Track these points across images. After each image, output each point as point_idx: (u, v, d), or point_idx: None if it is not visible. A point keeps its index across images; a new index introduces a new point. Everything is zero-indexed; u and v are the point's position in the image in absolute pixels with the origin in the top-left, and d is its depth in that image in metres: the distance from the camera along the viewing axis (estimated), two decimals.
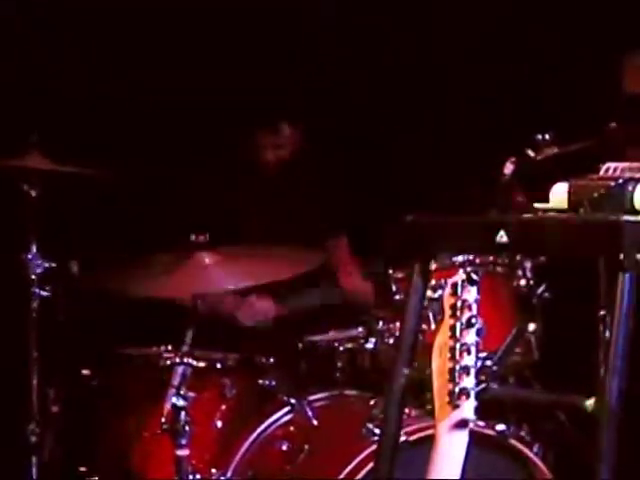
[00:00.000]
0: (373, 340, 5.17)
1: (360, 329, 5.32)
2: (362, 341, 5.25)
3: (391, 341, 5.13)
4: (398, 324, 5.00)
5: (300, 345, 5.45)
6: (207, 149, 6.45)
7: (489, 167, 4.94)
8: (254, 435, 5.21)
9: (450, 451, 3.82)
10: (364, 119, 7.05)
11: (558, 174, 4.20)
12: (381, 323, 5.18)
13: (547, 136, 4.82)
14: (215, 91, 6.75)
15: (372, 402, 5.06)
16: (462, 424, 3.78)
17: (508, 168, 4.85)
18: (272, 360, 5.38)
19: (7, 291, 5.38)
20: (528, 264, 4.97)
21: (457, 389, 3.73)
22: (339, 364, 5.31)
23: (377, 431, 4.83)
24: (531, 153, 4.78)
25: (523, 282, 4.94)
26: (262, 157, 6.29)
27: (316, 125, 6.38)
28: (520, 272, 5.01)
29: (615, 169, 3.90)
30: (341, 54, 7.18)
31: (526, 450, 4.88)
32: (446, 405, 3.76)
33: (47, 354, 5.20)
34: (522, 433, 5.14)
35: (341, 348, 5.33)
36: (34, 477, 5.13)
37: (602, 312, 5.01)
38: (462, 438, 3.80)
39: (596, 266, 4.83)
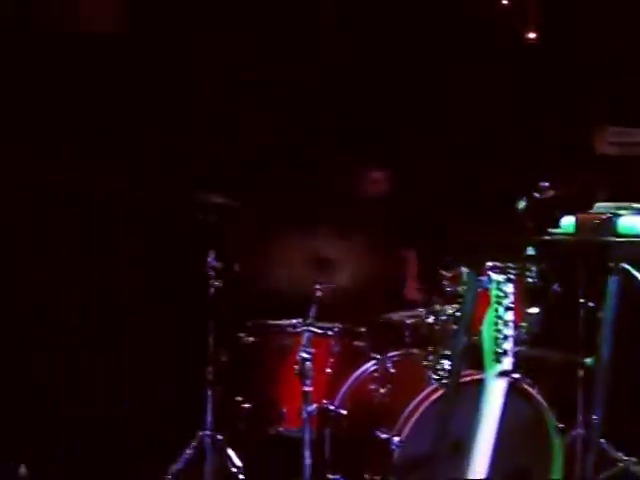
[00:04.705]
0: (431, 317, 4.87)
1: (421, 310, 5.03)
2: (423, 318, 4.96)
3: (442, 318, 4.79)
4: (447, 307, 4.80)
5: (382, 319, 5.20)
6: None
7: (509, 203, 4.62)
8: (352, 378, 5.03)
9: (495, 391, 3.72)
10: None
11: (556, 209, 4.02)
12: (436, 306, 4.85)
13: (547, 183, 4.53)
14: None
15: (429, 357, 4.75)
16: (503, 374, 3.70)
17: (521, 204, 4.56)
18: (363, 329, 5.17)
19: (194, 282, 5.15)
20: (534, 268, 4.79)
21: (500, 350, 3.67)
22: (407, 332, 5.07)
23: (433, 376, 4.65)
24: (536, 195, 4.51)
25: (530, 280, 4.77)
26: (364, 190, 5.84)
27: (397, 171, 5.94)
28: (528, 274, 4.85)
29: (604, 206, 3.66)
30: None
31: (531, 390, 4.64)
32: (492, 361, 3.68)
33: (219, 323, 5.01)
34: (528, 380, 4.89)
35: (408, 322, 5.10)
36: (209, 402, 4.99)
37: (581, 300, 4.82)
38: (503, 383, 3.71)
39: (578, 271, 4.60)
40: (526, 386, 4.58)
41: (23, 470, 4.92)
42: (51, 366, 5.69)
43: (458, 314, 4.64)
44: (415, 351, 5.00)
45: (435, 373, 4.64)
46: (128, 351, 5.86)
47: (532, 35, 6.20)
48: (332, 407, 4.96)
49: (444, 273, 4.87)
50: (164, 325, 5.87)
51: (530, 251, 3.66)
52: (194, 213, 4.99)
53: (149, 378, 5.75)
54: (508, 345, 3.65)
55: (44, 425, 5.52)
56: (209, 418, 4.97)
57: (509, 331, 3.64)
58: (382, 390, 4.81)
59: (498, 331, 3.65)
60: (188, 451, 4.94)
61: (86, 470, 5.33)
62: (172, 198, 5.47)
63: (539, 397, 4.64)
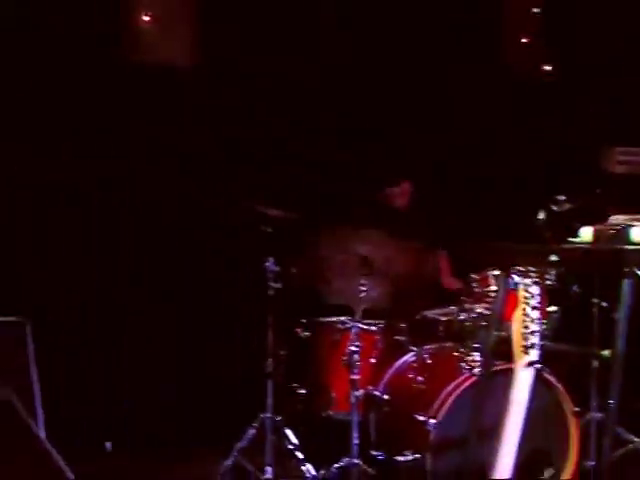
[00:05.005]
0: (462, 314, 5.11)
1: (453, 307, 5.25)
2: (455, 315, 5.18)
3: (472, 315, 5.03)
4: (476, 306, 5.03)
5: (419, 317, 5.39)
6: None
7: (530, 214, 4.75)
8: (393, 368, 5.21)
9: (523, 380, 3.93)
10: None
11: (574, 220, 4.29)
12: (467, 305, 5.09)
13: (563, 197, 4.58)
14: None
15: (461, 349, 5.00)
16: (530, 364, 3.92)
17: (541, 215, 4.64)
18: (403, 325, 5.35)
19: (256, 284, 5.21)
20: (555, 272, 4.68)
21: (528, 343, 3.87)
22: (441, 328, 5.25)
23: (464, 366, 4.86)
24: (554, 207, 4.56)
25: (548, 282, 4.59)
26: (394, 201, 5.94)
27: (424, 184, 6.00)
28: (549, 277, 4.85)
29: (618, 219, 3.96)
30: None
31: (552, 378, 4.82)
32: (521, 353, 3.89)
33: (278, 320, 5.09)
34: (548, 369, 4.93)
35: (442, 318, 5.28)
36: (269, 388, 5.08)
37: (596, 300, 5.02)
38: (530, 372, 3.93)
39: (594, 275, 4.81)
40: (547, 375, 4.75)
41: (108, 445, 5.11)
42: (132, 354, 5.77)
43: (486, 312, 4.91)
44: (448, 344, 5.17)
45: (466, 363, 4.89)
46: (202, 344, 5.96)
47: (548, 67, 6.35)
48: (376, 393, 5.13)
49: (473, 276, 5.10)
50: (231, 321, 6.00)
51: (553, 257, 3.94)
52: (257, 224, 5.04)
53: (219, 367, 5.92)
54: (535, 339, 3.85)
55: (126, 406, 5.67)
56: (269, 402, 5.08)
57: (535, 327, 3.84)
58: (419, 378, 5.02)
59: (526, 327, 3.85)
60: (251, 431, 5.08)
61: (163, 446, 5.54)
62: (238, 210, 5.47)
63: (558, 385, 4.82)
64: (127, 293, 5.87)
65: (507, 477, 3.88)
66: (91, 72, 5.68)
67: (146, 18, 5.45)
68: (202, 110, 5.96)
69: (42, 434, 4.44)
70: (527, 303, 3.89)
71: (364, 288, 5.10)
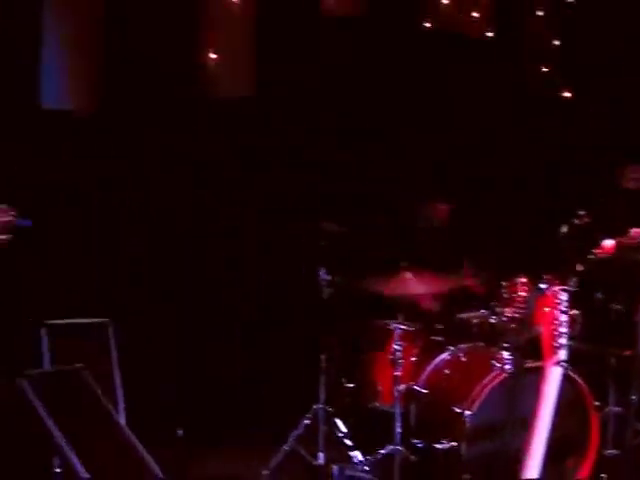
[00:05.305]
0: (494, 317, 5.29)
1: (484, 311, 5.42)
2: (486, 317, 5.35)
3: (502, 318, 5.19)
4: (505, 309, 5.16)
5: (454, 319, 5.53)
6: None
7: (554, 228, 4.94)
8: (432, 365, 5.37)
9: (553, 377, 4.05)
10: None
11: (595, 233, 4.54)
12: (497, 308, 5.25)
13: (583, 212, 4.76)
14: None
15: (492, 349, 5.13)
16: (559, 362, 4.03)
17: (564, 229, 4.85)
18: (440, 326, 5.53)
19: (311, 292, 5.34)
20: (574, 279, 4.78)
21: (557, 343, 4.00)
22: (474, 329, 5.41)
23: (496, 363, 5.00)
24: (576, 221, 4.76)
25: (576, 289, 4.48)
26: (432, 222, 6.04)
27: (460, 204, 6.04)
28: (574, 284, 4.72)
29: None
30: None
31: (575, 375, 4.96)
32: (551, 352, 4.01)
33: (330, 321, 5.28)
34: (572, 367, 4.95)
35: (475, 321, 5.43)
36: (322, 382, 5.27)
37: (617, 305, 5.13)
38: (559, 370, 4.04)
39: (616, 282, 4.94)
40: (571, 372, 4.87)
41: (180, 432, 5.18)
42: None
43: (515, 315, 5.08)
44: (480, 344, 5.36)
45: (497, 361, 5.07)
46: (268, 341, 6.13)
47: (568, 94, 6.40)
48: (416, 387, 5.32)
49: (503, 283, 5.28)
50: (291, 323, 6.22)
51: (579, 267, 4.20)
52: (312, 238, 5.25)
53: (278, 361, 6.13)
54: (563, 340, 4.01)
55: (196, 394, 5.75)
56: (322, 394, 5.33)
57: (564, 329, 4.01)
58: (455, 374, 5.22)
59: (555, 329, 4.01)
60: (305, 420, 5.31)
61: (228, 431, 5.69)
62: (297, 226, 5.71)
63: (581, 380, 5.00)
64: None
65: (537, 475, 4.03)
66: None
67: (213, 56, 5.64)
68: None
69: (122, 421, 4.66)
70: (556, 308, 4.06)
71: (407, 293, 5.31)
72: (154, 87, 5.81)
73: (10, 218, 3.75)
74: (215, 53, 5.69)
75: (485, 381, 5.02)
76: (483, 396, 4.96)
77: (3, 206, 3.79)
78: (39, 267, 5.57)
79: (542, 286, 4.23)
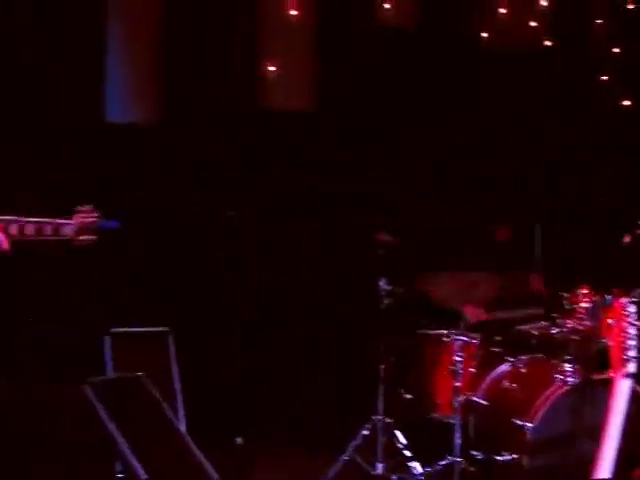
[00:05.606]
0: (555, 328, 5.22)
1: (544, 323, 5.40)
2: (547, 329, 5.30)
3: (564, 329, 5.11)
4: (566, 321, 5.08)
5: (514, 330, 5.49)
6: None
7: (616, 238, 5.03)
8: (491, 376, 5.37)
9: (622, 388, 3.94)
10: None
11: None
12: (558, 320, 5.17)
13: None
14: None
15: (553, 361, 5.11)
16: (628, 375, 3.92)
17: (626, 238, 5.01)
18: (499, 338, 5.51)
19: (372, 299, 5.33)
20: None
21: (626, 356, 3.91)
22: (534, 341, 5.39)
23: (558, 375, 4.95)
24: (638, 231, 4.86)
25: None
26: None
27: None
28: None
29: None
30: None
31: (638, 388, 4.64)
32: (620, 364, 3.91)
33: (389, 331, 5.28)
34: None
35: (535, 332, 5.40)
36: (380, 393, 5.29)
37: None
38: (628, 382, 3.93)
39: None
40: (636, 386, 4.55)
41: (239, 440, 5.22)
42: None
43: (577, 326, 5.01)
44: (540, 355, 5.33)
45: (559, 373, 5.04)
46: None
47: (627, 102, 6.34)
48: (475, 399, 5.32)
49: (564, 294, 5.21)
50: (350, 333, 6.23)
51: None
52: (371, 248, 5.27)
53: (337, 373, 6.17)
54: (632, 352, 3.89)
55: (255, 405, 5.82)
56: (380, 405, 5.32)
57: (632, 341, 3.89)
58: (515, 385, 5.22)
59: (623, 342, 3.90)
60: (364, 431, 5.33)
61: (286, 441, 5.77)
62: (357, 238, 5.76)
63: None
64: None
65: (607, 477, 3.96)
66: None
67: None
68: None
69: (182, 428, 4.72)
70: (623, 319, 3.96)
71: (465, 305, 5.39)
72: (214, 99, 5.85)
73: (94, 219, 3.80)
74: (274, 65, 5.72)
75: (547, 393, 5.00)
76: (545, 408, 4.94)
77: (88, 207, 3.85)
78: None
79: (607, 297, 4.29)
